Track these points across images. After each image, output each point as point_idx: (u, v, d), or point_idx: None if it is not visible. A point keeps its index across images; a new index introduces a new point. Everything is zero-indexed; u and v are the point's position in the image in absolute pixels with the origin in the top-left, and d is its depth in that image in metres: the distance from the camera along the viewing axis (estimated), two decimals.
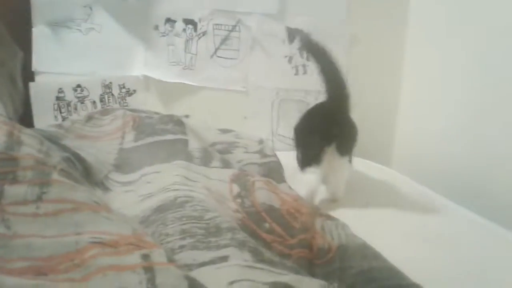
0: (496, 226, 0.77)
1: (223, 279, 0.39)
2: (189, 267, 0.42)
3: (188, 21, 1.17)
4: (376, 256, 0.54)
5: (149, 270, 0.34)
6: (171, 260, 0.38)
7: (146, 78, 1.18)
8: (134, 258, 0.35)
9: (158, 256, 0.37)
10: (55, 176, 0.44)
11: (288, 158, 0.84)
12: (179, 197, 0.56)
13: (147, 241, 0.40)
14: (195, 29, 1.17)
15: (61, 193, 0.41)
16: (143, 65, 1.18)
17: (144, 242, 0.39)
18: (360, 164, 0.97)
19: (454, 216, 0.84)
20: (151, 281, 0.33)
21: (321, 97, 1.07)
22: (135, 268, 0.34)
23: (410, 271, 0.52)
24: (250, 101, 1.21)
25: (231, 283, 0.38)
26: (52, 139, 0.65)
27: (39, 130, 0.74)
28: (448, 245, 0.71)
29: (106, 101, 1.15)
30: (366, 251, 0.55)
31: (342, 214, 0.72)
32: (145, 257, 0.36)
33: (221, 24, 1.18)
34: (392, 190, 0.96)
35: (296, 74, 1.21)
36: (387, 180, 1.03)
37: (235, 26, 1.18)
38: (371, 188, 0.94)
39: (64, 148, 0.64)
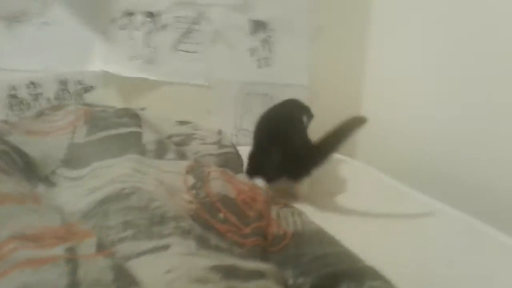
0: (462, 214, 0.78)
1: (160, 268, 0.36)
2: (128, 257, 0.39)
3: (147, 14, 1.14)
4: (331, 241, 0.53)
5: (71, 262, 0.31)
6: (102, 249, 0.35)
7: (105, 73, 1.14)
8: (56, 251, 0.33)
9: (86, 247, 0.34)
10: None
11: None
12: (125, 188, 0.53)
13: (79, 231, 0.37)
14: (155, 22, 1.14)
15: None
16: (101, 60, 1.14)
17: (74, 233, 0.36)
18: None
19: (416, 204, 0.84)
20: (73, 274, 0.30)
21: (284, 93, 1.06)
22: (56, 261, 0.31)
23: (370, 258, 0.51)
24: (213, 95, 1.19)
25: (168, 271, 0.35)
26: None
27: None
28: (410, 233, 0.71)
29: (62, 98, 1.10)
30: (321, 237, 0.53)
31: (302, 206, 0.71)
32: (70, 249, 0.33)
33: (182, 17, 1.15)
34: (355, 180, 0.96)
35: (259, 67, 1.19)
36: (350, 171, 1.03)
37: (197, 18, 1.16)
38: (334, 179, 0.94)
39: (4, 142, 0.60)
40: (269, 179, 0.76)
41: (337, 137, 0.77)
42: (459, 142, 0.95)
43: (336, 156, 1.10)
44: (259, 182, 0.76)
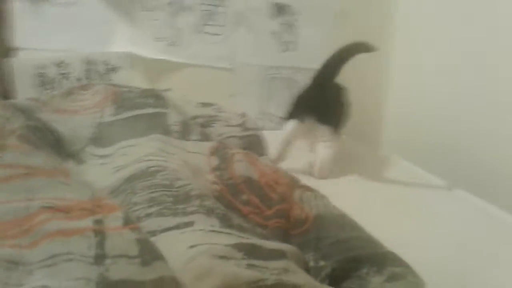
0: (483, 202, 0.77)
1: (184, 243, 0.37)
2: (153, 233, 0.41)
3: None
4: (353, 226, 0.53)
5: (99, 234, 0.32)
6: (128, 223, 0.36)
7: (131, 54, 1.15)
8: (85, 223, 0.34)
9: (113, 220, 0.35)
10: (12, 140, 0.42)
11: (277, 137, 0.84)
12: (151, 166, 0.54)
13: (106, 204, 0.38)
14: (178, 4, 1.14)
15: (15, 158, 0.40)
16: (127, 41, 1.15)
17: (101, 206, 0.37)
18: (349, 144, 0.96)
19: (441, 192, 0.83)
20: (100, 245, 0.31)
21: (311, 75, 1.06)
22: (85, 233, 0.32)
23: (392, 243, 0.51)
24: (237, 78, 1.18)
25: (192, 246, 0.36)
26: (22, 109, 0.63)
27: (11, 101, 0.72)
28: (430, 219, 0.70)
29: (89, 78, 1.12)
30: (343, 222, 0.53)
31: (326, 189, 0.71)
32: (98, 222, 0.34)
33: None
34: (379, 168, 0.95)
35: (283, 51, 1.18)
36: (375, 159, 1.02)
37: (220, 0, 1.15)
38: (359, 165, 0.93)
39: (35, 119, 0.62)
40: (299, 116, 0.83)
41: (336, 63, 0.88)
42: (487, 133, 0.93)
43: (360, 144, 1.09)
44: (293, 123, 0.83)
